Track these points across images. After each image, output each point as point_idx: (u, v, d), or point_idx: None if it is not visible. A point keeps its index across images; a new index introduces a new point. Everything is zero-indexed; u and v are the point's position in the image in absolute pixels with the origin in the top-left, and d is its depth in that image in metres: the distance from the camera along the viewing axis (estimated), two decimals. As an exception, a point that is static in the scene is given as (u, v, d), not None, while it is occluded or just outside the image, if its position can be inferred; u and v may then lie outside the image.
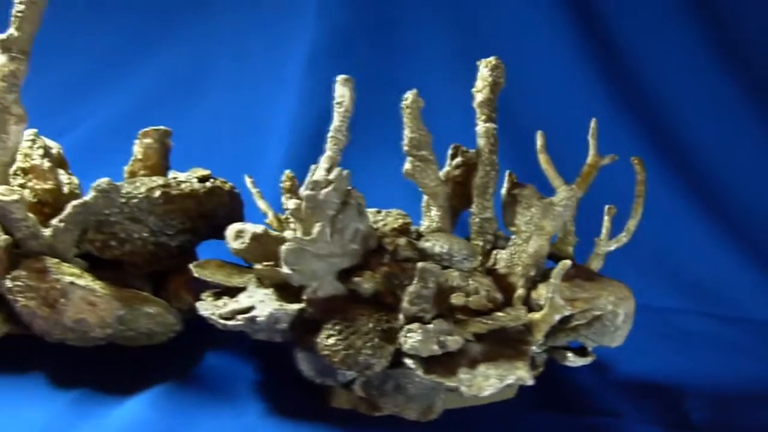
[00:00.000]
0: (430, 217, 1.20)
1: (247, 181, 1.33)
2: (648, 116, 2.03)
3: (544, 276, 1.14)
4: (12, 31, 1.17)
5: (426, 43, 2.15)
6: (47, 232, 1.15)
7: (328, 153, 1.12)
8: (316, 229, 1.04)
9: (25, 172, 1.26)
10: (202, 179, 1.35)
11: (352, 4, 2.09)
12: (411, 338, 1.00)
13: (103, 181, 1.13)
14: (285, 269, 1.04)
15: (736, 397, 1.32)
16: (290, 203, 1.11)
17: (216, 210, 1.29)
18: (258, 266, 1.12)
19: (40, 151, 1.27)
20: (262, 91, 2.12)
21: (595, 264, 1.22)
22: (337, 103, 1.12)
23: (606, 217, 1.22)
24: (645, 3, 2.05)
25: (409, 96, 1.15)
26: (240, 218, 1.34)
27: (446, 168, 1.24)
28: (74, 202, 1.12)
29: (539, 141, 1.25)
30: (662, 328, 1.60)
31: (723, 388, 1.33)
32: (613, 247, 1.22)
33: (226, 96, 2.12)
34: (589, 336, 1.11)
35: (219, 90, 2.12)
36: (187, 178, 1.34)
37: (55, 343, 1.15)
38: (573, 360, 1.11)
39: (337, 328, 1.03)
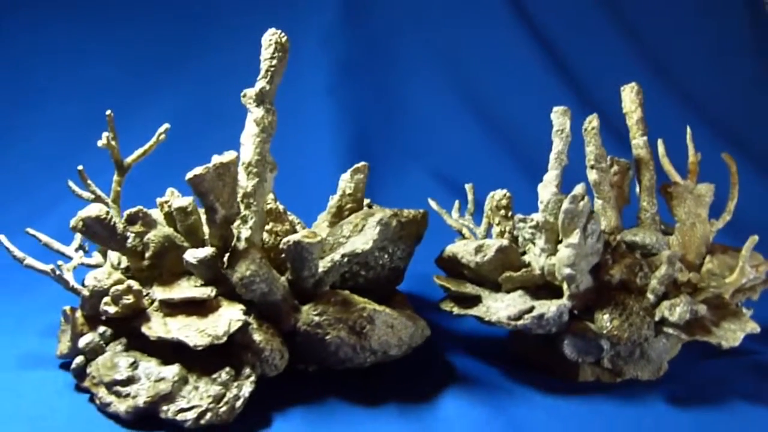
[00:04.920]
0: (607, 216, 1.46)
1: (432, 203, 1.49)
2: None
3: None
4: (264, 84, 1.24)
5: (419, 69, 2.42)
6: (321, 267, 1.24)
7: (554, 172, 1.34)
8: (576, 235, 1.26)
9: (258, 216, 1.32)
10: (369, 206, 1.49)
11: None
12: (677, 310, 1.26)
13: (384, 215, 1.25)
14: (566, 270, 1.25)
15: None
16: (538, 216, 1.31)
17: (423, 232, 1.43)
18: (512, 274, 1.31)
19: (272, 195, 1.33)
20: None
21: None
22: (559, 131, 1.34)
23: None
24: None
25: (592, 119, 1.41)
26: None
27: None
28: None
29: (660, 149, 1.56)
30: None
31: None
32: (721, 225, 1.58)
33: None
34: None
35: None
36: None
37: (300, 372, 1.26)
38: (746, 312, 1.44)
39: (615, 312, 1.26)
